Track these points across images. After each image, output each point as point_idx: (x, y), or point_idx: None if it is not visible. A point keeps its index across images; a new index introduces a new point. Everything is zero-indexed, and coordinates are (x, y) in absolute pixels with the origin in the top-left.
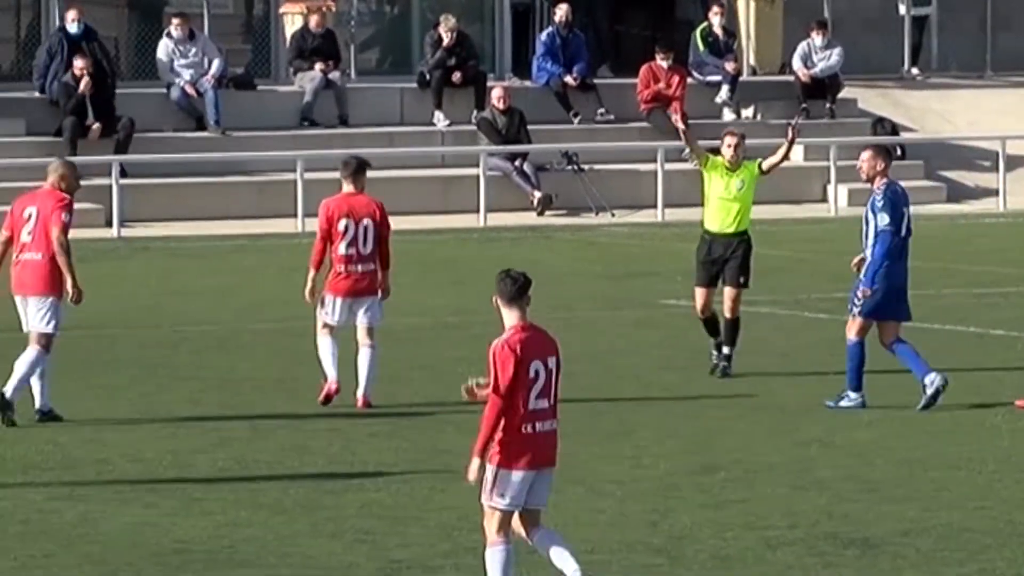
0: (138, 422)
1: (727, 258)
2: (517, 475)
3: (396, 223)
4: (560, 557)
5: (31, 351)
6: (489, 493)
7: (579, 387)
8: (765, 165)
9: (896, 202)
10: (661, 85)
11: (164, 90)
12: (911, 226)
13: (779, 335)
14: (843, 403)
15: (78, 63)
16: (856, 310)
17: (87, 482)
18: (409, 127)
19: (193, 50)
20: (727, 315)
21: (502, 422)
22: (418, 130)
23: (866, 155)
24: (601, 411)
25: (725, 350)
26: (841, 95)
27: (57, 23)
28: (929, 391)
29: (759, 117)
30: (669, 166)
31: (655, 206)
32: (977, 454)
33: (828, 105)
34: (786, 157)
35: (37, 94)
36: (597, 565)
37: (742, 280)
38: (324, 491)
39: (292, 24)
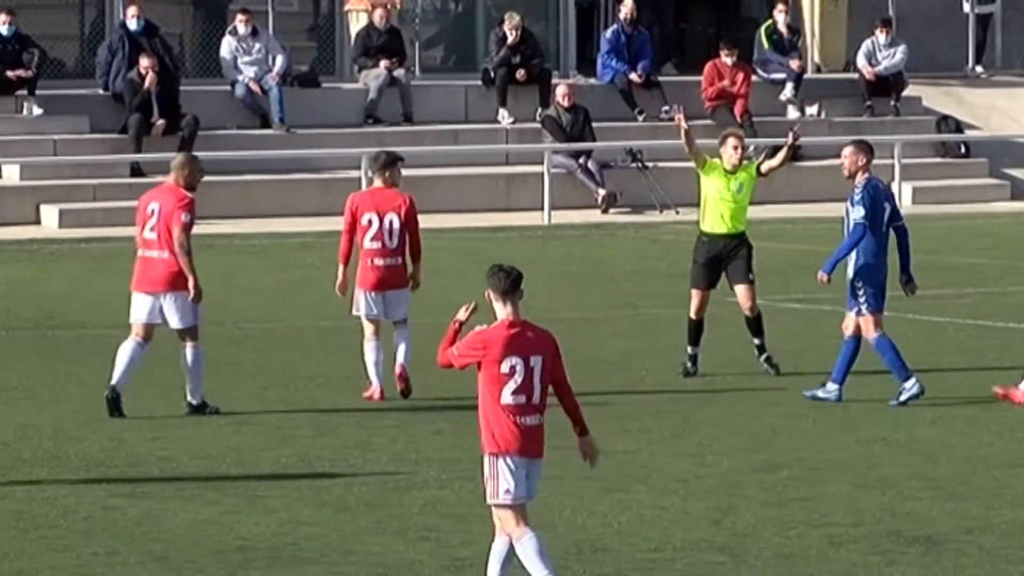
0: (201, 419)
1: (729, 258)
2: (512, 461)
3: (460, 220)
4: (535, 566)
5: (189, 351)
6: (495, 490)
7: (643, 384)
8: (764, 168)
9: (875, 197)
10: (726, 82)
11: (228, 87)
12: (900, 221)
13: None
14: (904, 396)
15: (144, 61)
16: (864, 308)
17: (150, 479)
18: (473, 124)
19: (257, 47)
20: (747, 313)
21: (492, 416)
22: (482, 127)
23: (848, 151)
24: (664, 408)
25: (756, 341)
26: (905, 93)
27: (119, 19)
28: (821, 393)
29: (823, 115)
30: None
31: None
32: None
33: (892, 103)
34: (786, 160)
35: (101, 91)
36: (660, 564)
37: (751, 277)
38: (387, 488)
39: (357, 22)
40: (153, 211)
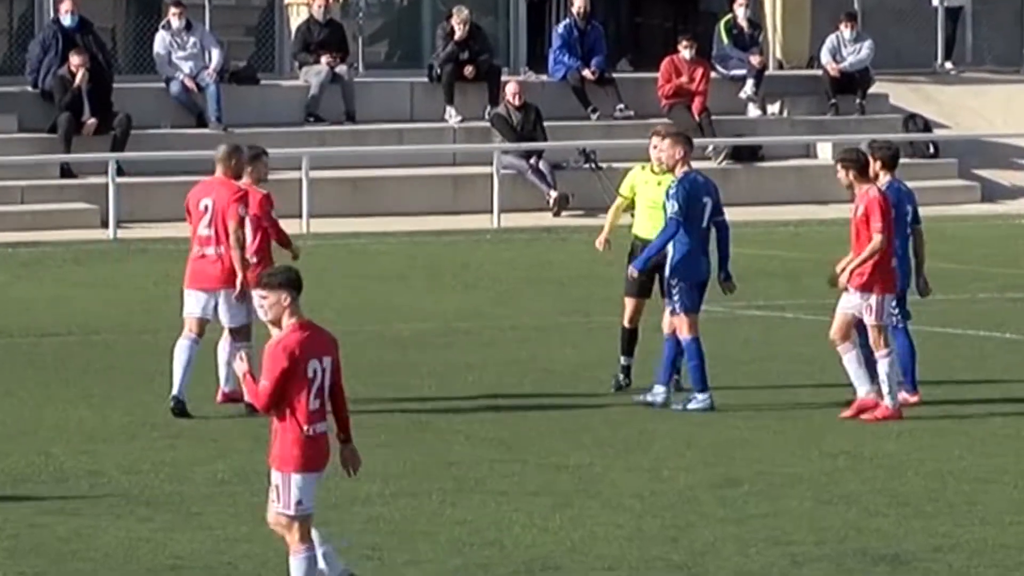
0: (133, 433)
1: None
2: (310, 478)
3: (405, 224)
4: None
5: (233, 348)
6: (287, 502)
7: (594, 396)
8: None
9: (692, 192)
10: (683, 79)
11: (163, 85)
12: (721, 217)
13: (804, 341)
14: (691, 405)
15: (74, 59)
16: (677, 307)
17: (79, 496)
18: (419, 123)
19: (192, 41)
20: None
21: (288, 425)
22: (429, 127)
23: (665, 143)
24: (619, 420)
25: (623, 361)
26: (872, 90)
27: (51, 15)
28: (648, 397)
29: (785, 113)
30: (693, 164)
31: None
32: (1012, 466)
33: (858, 100)
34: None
35: (30, 88)
36: None
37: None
38: (328, 505)
39: (297, 15)
40: (207, 207)
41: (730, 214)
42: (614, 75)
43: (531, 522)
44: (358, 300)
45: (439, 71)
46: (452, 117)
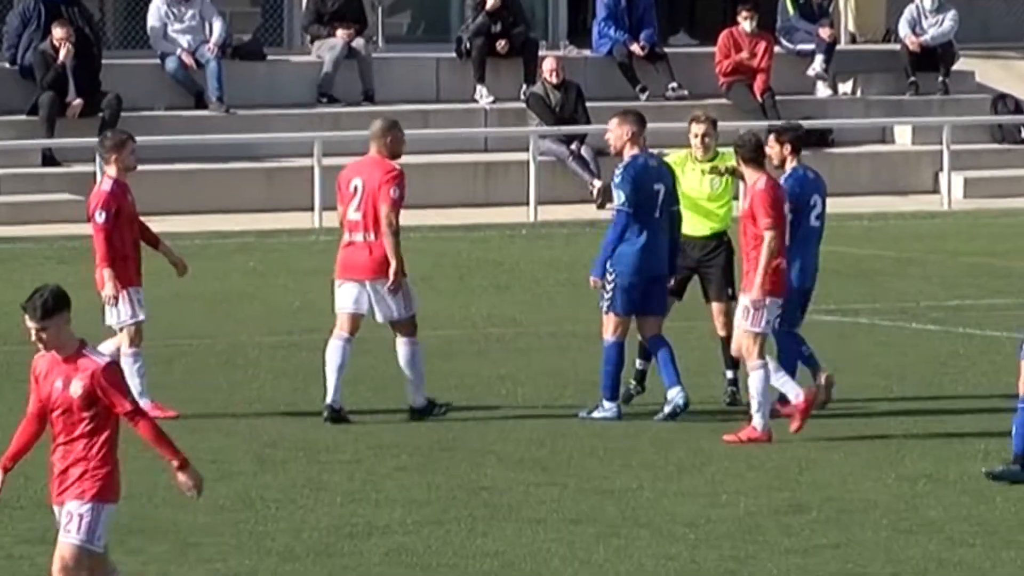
0: (125, 452)
1: (704, 267)
2: (111, 507)
3: (429, 217)
4: None
5: (405, 348)
6: (90, 535)
7: (645, 412)
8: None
9: (639, 178)
10: (744, 55)
11: (158, 61)
12: (676, 206)
13: (881, 350)
14: (596, 414)
15: (58, 31)
16: (606, 305)
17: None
18: (446, 104)
19: (190, 13)
20: (722, 332)
21: (105, 451)
22: (457, 108)
23: (612, 123)
24: (671, 439)
25: (729, 374)
26: (955, 67)
27: None
28: (667, 408)
29: (859, 93)
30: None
31: (736, 198)
32: None
33: (940, 79)
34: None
35: (7, 65)
36: None
37: (730, 292)
38: (343, 535)
39: None
40: (356, 188)
41: None
42: (666, 50)
43: (572, 554)
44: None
45: (468, 45)
46: (483, 97)
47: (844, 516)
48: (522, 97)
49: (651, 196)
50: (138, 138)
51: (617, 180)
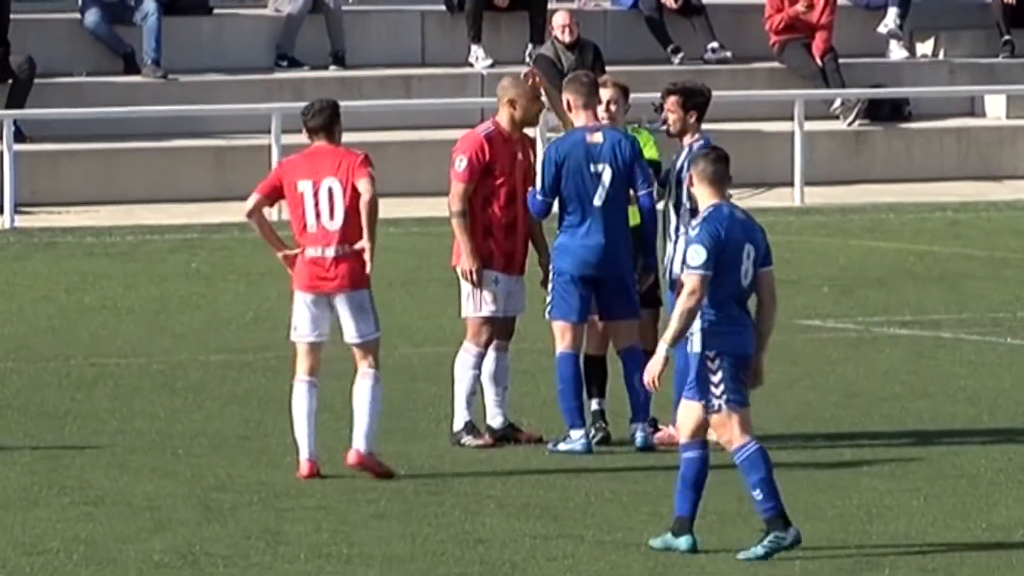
0: (36, 498)
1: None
2: None
3: (413, 207)
4: None
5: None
6: None
7: (673, 446)
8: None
9: (561, 156)
10: (799, 7)
11: (77, 15)
12: (643, 193)
13: (968, 371)
14: (562, 446)
15: None
16: (548, 311)
17: None
18: (434, 69)
19: None
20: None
21: None
22: (447, 73)
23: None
24: (708, 483)
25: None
26: None
27: None
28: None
29: (941, 55)
30: (812, 125)
31: (790, 183)
32: None
33: None
34: None
35: None
36: None
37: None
38: None
39: None
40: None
41: (866, 192)
42: (704, 1)
43: None
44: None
45: None
46: (479, 60)
47: (925, 575)
48: (527, 60)
49: (585, 179)
50: (56, 110)
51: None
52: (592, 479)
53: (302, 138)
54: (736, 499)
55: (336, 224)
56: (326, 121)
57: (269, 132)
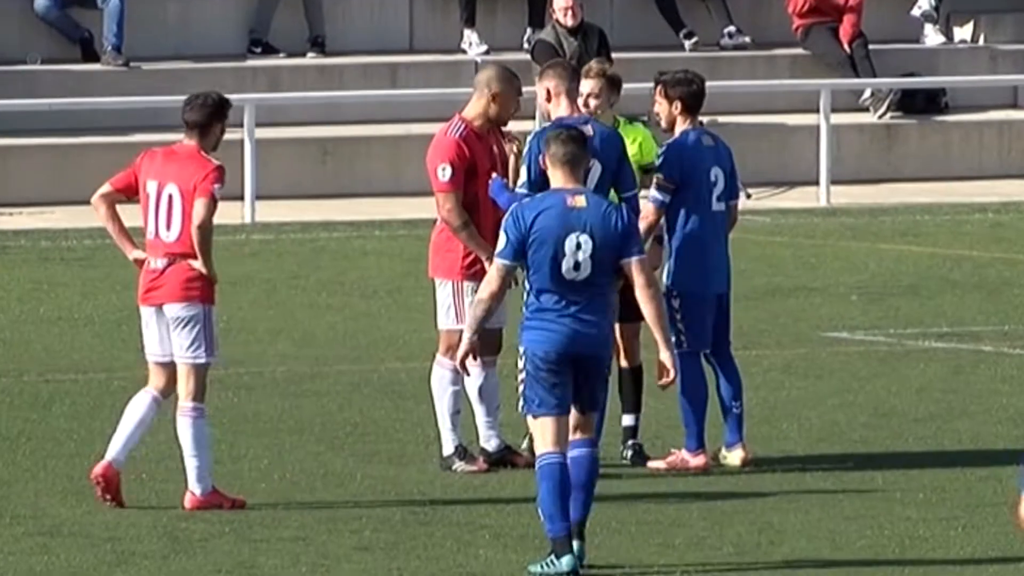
0: None
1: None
2: None
3: (400, 209)
4: None
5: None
6: None
7: (686, 468)
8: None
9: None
10: None
11: None
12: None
13: (1011, 388)
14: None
15: None
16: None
17: None
18: (423, 56)
19: None
20: (622, 364)
21: None
22: (437, 61)
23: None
24: (726, 511)
25: (627, 420)
26: None
27: None
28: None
29: (981, 40)
30: (839, 118)
31: (815, 182)
32: None
33: None
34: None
35: None
36: None
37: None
38: None
39: None
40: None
41: (898, 192)
42: None
43: None
44: (329, 325)
45: None
46: (472, 46)
47: None
48: (525, 46)
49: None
50: (6, 101)
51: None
52: (597, 508)
53: (279, 132)
54: (756, 527)
55: (172, 236)
56: (204, 119)
57: (241, 126)
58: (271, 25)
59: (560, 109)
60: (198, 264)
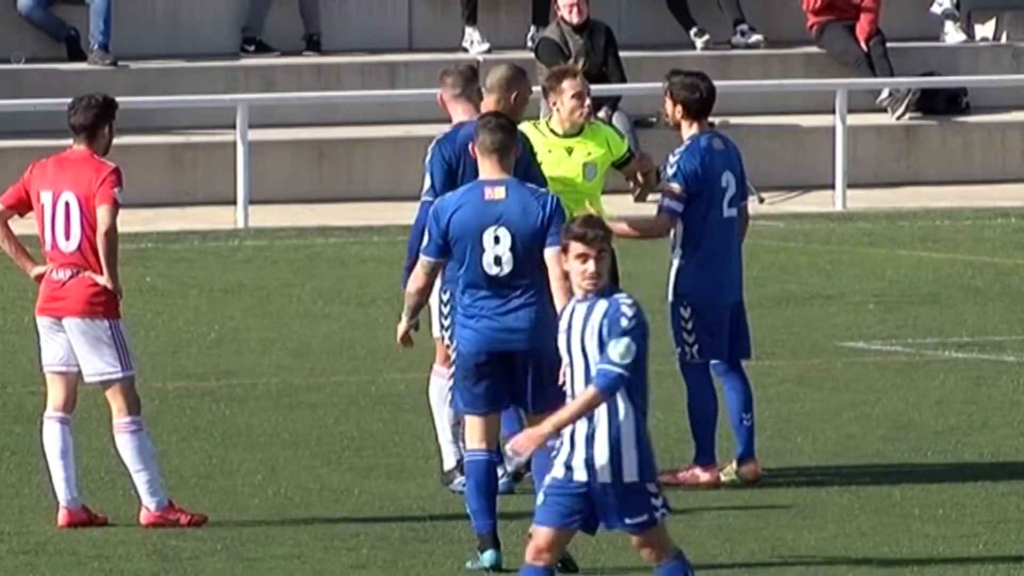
0: None
1: None
2: None
3: (400, 212)
4: None
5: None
6: None
7: (694, 485)
8: (633, 165)
9: (449, 155)
10: None
11: None
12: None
13: None
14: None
15: None
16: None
17: None
18: (422, 55)
19: None
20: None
21: None
22: (437, 59)
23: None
24: (736, 527)
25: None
26: None
27: None
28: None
29: (1004, 38)
30: (856, 119)
31: (831, 185)
32: None
33: None
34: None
35: None
36: None
37: None
38: None
39: None
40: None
41: (918, 196)
42: None
43: None
44: (325, 335)
45: None
46: (474, 45)
47: None
48: (529, 44)
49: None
50: None
51: (428, 158)
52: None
53: (273, 134)
54: (769, 543)
55: (71, 246)
56: (90, 121)
57: (234, 127)
58: (265, 22)
59: (457, 114)
60: (102, 279)
